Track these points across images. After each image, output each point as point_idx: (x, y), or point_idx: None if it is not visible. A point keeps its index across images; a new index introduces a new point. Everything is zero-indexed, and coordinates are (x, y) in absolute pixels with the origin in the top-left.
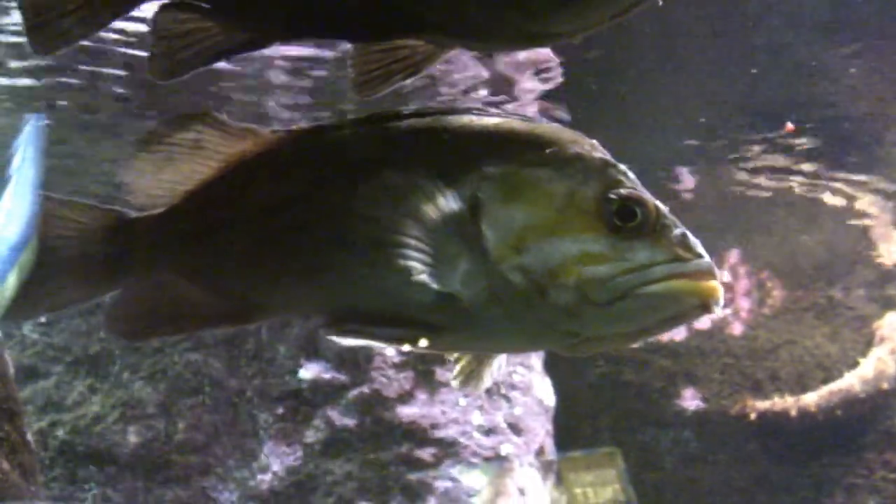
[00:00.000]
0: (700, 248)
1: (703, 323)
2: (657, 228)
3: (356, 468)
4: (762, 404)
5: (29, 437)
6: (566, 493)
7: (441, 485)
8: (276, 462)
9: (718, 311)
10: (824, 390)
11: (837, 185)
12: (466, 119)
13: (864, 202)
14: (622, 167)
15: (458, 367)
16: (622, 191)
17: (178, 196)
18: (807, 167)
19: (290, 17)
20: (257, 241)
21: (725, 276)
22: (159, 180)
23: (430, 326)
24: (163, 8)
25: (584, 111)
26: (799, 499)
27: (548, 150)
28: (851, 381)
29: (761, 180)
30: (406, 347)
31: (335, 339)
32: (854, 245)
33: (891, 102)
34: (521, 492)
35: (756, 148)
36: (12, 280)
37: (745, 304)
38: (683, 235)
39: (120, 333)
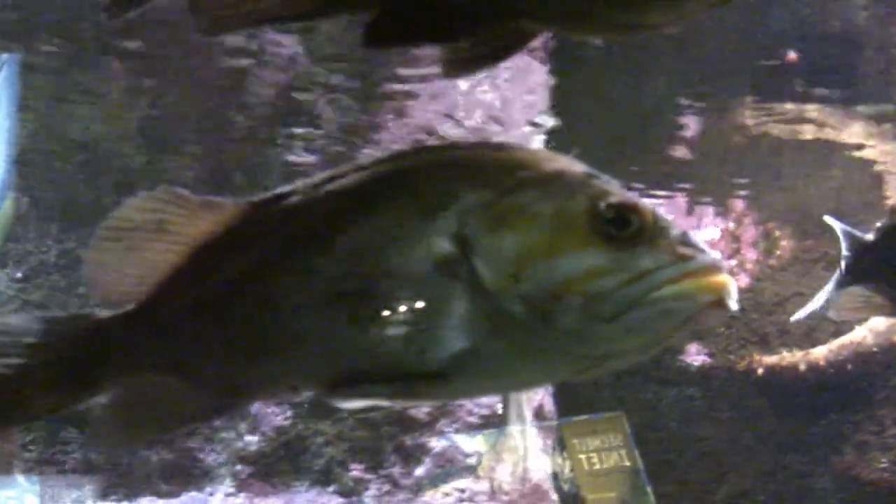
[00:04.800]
0: (703, 245)
1: None
2: (655, 232)
3: (347, 428)
4: (769, 359)
5: None
6: (570, 460)
7: (437, 445)
8: (264, 422)
9: (734, 306)
10: (834, 344)
11: (851, 127)
12: (436, 155)
13: (881, 146)
14: (605, 177)
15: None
16: (613, 199)
17: (147, 289)
18: (817, 108)
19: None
20: (231, 319)
21: (730, 225)
22: (125, 273)
23: (432, 374)
24: None
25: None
26: (808, 456)
27: (526, 173)
28: (863, 334)
29: (769, 124)
30: (412, 403)
31: (340, 405)
32: (866, 193)
33: None
34: (520, 453)
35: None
36: None
37: (751, 255)
38: (683, 234)
39: (106, 446)
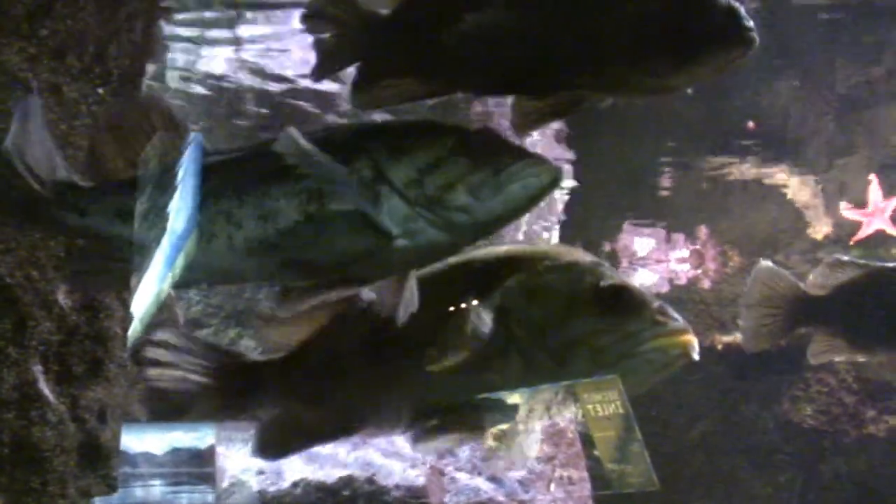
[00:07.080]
0: (674, 313)
1: (681, 279)
2: (640, 304)
3: None
4: (726, 338)
5: None
6: (581, 409)
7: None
8: None
9: (696, 357)
10: None
11: (781, 178)
12: (489, 251)
13: (801, 190)
14: (606, 264)
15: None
16: (610, 281)
17: (295, 344)
18: (757, 163)
19: (478, 80)
20: (353, 370)
21: (698, 246)
22: (284, 332)
23: (491, 396)
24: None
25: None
26: (755, 405)
27: (550, 262)
28: None
29: (724, 174)
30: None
31: (424, 447)
32: (793, 222)
33: (817, 117)
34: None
35: (720, 158)
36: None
37: (712, 266)
38: (661, 305)
39: (269, 456)
